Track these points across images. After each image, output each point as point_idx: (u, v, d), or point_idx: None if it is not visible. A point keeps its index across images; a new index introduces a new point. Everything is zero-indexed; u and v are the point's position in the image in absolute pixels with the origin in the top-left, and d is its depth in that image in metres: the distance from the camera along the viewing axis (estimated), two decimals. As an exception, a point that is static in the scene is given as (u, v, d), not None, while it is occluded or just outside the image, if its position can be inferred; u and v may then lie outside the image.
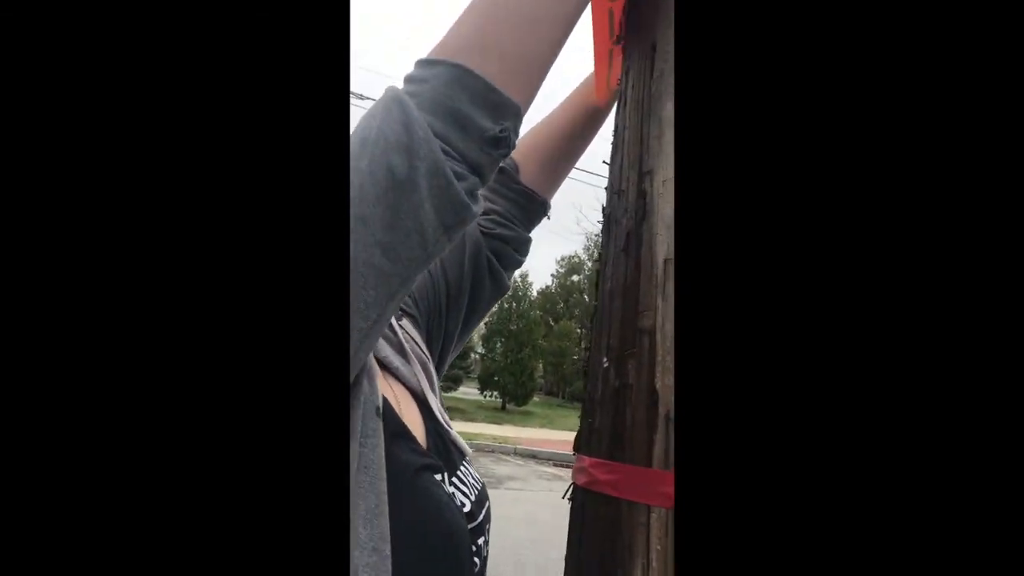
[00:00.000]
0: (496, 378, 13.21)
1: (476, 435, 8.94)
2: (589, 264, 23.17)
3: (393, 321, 0.58)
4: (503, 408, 13.51)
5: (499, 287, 0.65)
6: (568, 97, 0.65)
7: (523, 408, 13.94)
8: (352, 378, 0.43)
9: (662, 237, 0.48)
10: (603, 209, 0.60)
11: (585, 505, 0.50)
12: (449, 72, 0.40)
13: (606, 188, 0.62)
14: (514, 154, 0.64)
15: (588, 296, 22.89)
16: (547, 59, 0.45)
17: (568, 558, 0.53)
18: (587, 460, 0.50)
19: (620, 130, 0.58)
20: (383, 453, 0.44)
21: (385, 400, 0.49)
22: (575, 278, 23.51)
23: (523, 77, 0.43)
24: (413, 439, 0.50)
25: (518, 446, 8.83)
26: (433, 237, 0.39)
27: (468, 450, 0.59)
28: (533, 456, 8.67)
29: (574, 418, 14.21)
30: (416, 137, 0.38)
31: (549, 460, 8.55)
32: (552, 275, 23.79)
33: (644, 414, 0.46)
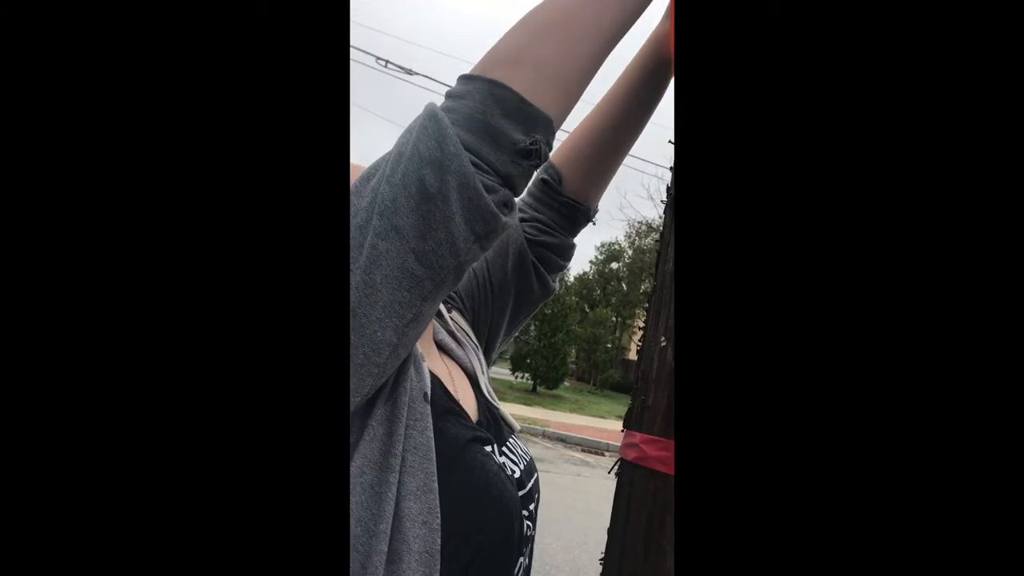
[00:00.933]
0: (528, 360, 13.30)
1: (506, 415, 8.98)
2: (630, 252, 22.88)
3: (444, 312, 0.63)
4: (533, 390, 13.61)
5: (545, 289, 0.68)
6: (603, 103, 0.64)
7: (553, 392, 14.01)
8: (396, 368, 0.46)
9: (730, 219, 0.48)
10: (667, 190, 0.60)
11: (634, 480, 0.51)
12: (484, 87, 0.42)
13: (671, 168, 0.61)
14: (557, 164, 0.65)
15: (626, 285, 22.63)
16: (585, 73, 0.46)
17: (612, 531, 0.54)
18: (638, 436, 0.51)
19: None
20: (431, 435, 0.47)
21: (438, 379, 0.53)
22: (614, 265, 23.26)
23: (558, 90, 0.44)
24: (464, 415, 0.53)
25: (547, 429, 8.89)
26: (464, 246, 0.41)
27: (516, 426, 0.62)
28: (561, 440, 8.72)
29: (604, 405, 14.18)
30: (447, 152, 0.40)
31: (578, 445, 8.58)
32: (591, 261, 23.61)
33: (701, 394, 0.46)
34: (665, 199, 0.61)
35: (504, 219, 0.43)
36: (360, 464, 0.44)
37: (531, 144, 0.42)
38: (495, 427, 0.58)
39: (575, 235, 0.67)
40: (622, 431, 0.56)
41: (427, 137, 0.41)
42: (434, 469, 0.45)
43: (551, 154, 0.69)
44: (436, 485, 0.45)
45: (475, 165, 0.40)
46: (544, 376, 13.42)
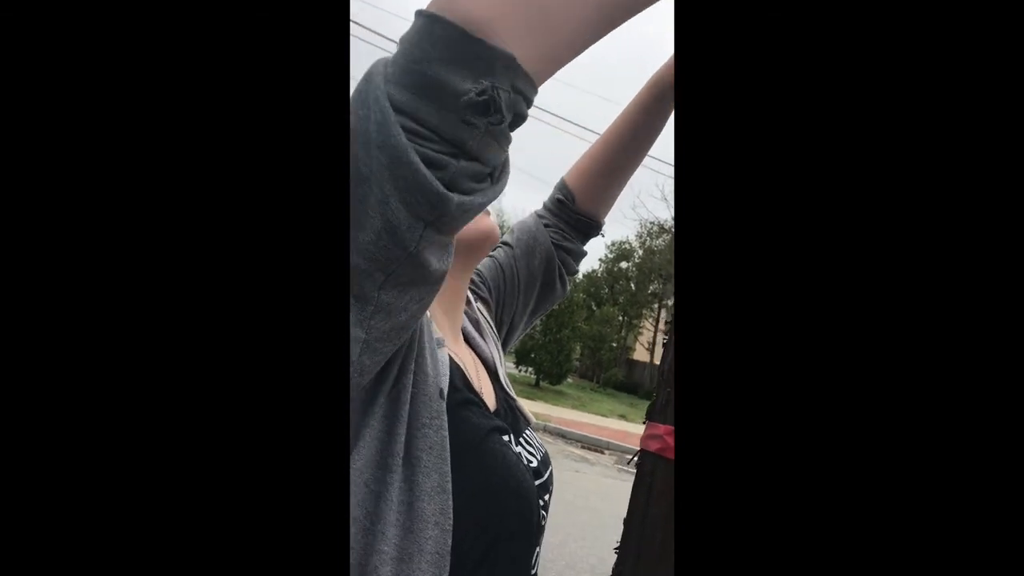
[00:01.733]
0: (533, 355, 13.32)
1: (508, 408, 9.03)
2: (640, 252, 22.79)
3: (471, 299, 0.66)
4: (536, 384, 13.65)
5: (564, 289, 0.74)
6: (608, 134, 0.69)
7: (556, 387, 14.04)
8: (385, 362, 0.42)
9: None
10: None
11: (656, 471, 0.52)
12: (422, 25, 0.32)
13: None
14: (570, 185, 0.71)
15: (635, 285, 22.56)
16: (580, 18, 0.33)
17: (630, 520, 0.55)
18: (662, 428, 0.52)
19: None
20: (447, 434, 0.46)
21: (460, 368, 0.53)
22: (624, 265, 23.19)
23: (533, 20, 0.32)
24: (484, 405, 0.54)
25: (548, 423, 8.91)
26: (411, 235, 0.34)
27: (532, 419, 0.64)
28: (562, 436, 8.75)
29: (606, 404, 14.18)
30: (374, 120, 0.32)
31: (578, 442, 8.60)
32: (600, 259, 23.57)
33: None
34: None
35: (456, 198, 0.33)
36: (358, 464, 0.43)
37: (480, 94, 0.31)
38: (512, 418, 0.59)
39: (586, 244, 0.75)
40: (644, 423, 0.57)
41: (357, 104, 0.33)
42: (448, 468, 0.45)
43: (566, 175, 0.72)
44: (450, 485, 0.44)
45: (413, 132, 0.32)
46: (548, 371, 13.45)
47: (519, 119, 0.35)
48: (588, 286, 21.42)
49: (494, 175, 0.36)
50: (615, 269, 23.01)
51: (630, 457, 0.57)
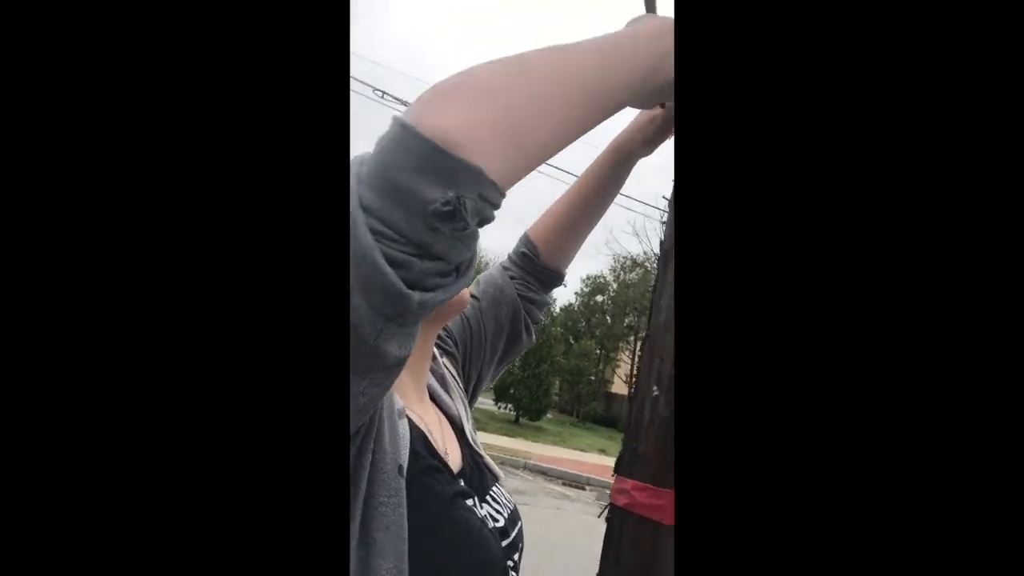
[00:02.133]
0: (512, 391, 13.23)
1: (487, 446, 8.92)
2: (614, 286, 23.03)
3: (437, 354, 0.66)
4: (516, 421, 13.51)
5: (530, 339, 0.76)
6: (570, 194, 0.72)
7: (536, 423, 13.92)
8: (355, 432, 0.42)
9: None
10: (660, 243, 0.63)
11: (624, 527, 0.52)
12: (395, 133, 0.34)
13: (662, 221, 0.64)
14: (533, 238, 0.74)
15: (611, 318, 22.72)
16: (546, 131, 0.37)
17: (602, 575, 0.54)
18: (629, 482, 0.52)
19: (684, 169, 0.60)
20: (404, 512, 0.45)
21: (423, 434, 0.53)
22: (599, 298, 23.38)
23: (502, 138, 0.35)
24: (448, 469, 0.54)
25: (528, 461, 8.80)
26: (372, 329, 0.35)
27: (500, 474, 0.64)
28: (543, 473, 8.63)
29: (586, 438, 14.06)
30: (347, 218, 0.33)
31: (559, 479, 8.49)
32: (576, 293, 23.76)
33: (691, 444, 0.48)
34: (658, 249, 0.64)
35: (417, 297, 0.34)
36: None
37: (446, 204, 0.33)
38: (479, 476, 0.59)
39: (549, 294, 0.77)
40: (613, 475, 0.57)
41: None
42: (405, 548, 0.44)
43: (530, 229, 0.75)
44: (407, 566, 0.44)
45: (380, 233, 0.33)
46: (527, 407, 13.34)
47: (485, 222, 0.37)
48: (565, 320, 21.49)
49: (459, 270, 0.37)
50: (591, 303, 23.16)
51: (599, 512, 0.57)
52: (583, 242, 0.75)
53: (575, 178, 0.73)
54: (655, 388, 0.53)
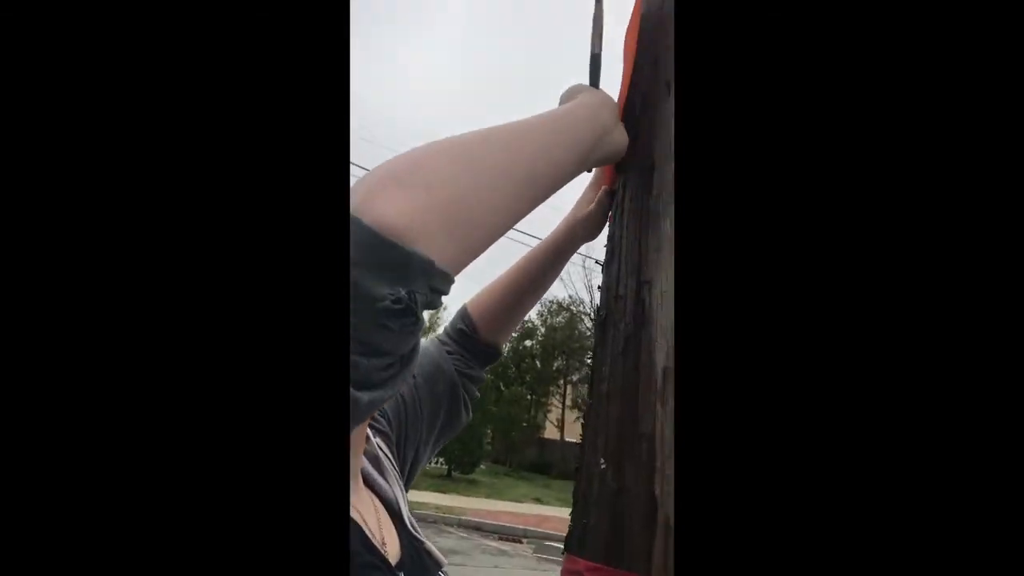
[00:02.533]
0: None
1: (419, 504, 8.58)
2: (543, 329, 23.29)
3: (371, 436, 0.63)
4: (448, 475, 13.11)
5: (468, 414, 0.74)
6: (512, 272, 0.73)
7: (469, 476, 13.56)
8: None
9: (661, 344, 0.50)
10: (597, 310, 0.63)
11: (578, 610, 0.50)
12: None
13: (599, 287, 0.65)
14: (472, 315, 0.74)
15: (540, 361, 22.85)
16: (489, 214, 0.36)
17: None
18: (582, 563, 0.50)
19: (616, 237, 0.62)
20: None
21: (359, 527, 0.50)
22: (528, 343, 23.53)
23: (452, 225, 0.34)
24: (386, 563, 0.51)
25: (462, 517, 8.51)
26: None
27: (443, 560, 0.61)
28: (478, 528, 8.36)
29: (521, 488, 13.83)
30: None
31: (495, 533, 8.25)
32: (505, 339, 23.83)
33: (642, 520, 0.47)
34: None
35: (366, 398, 0.33)
36: None
37: (396, 302, 0.32)
38: (419, 564, 0.56)
39: (484, 369, 0.77)
40: (563, 554, 0.55)
41: None
42: None
43: (469, 304, 0.74)
44: None
45: None
46: (459, 460, 13.02)
47: (433, 307, 0.36)
48: (495, 367, 21.42)
49: (404, 358, 0.36)
50: (520, 348, 23.25)
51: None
52: (522, 320, 0.76)
53: (537, 239, 0.73)
54: (602, 461, 0.52)
